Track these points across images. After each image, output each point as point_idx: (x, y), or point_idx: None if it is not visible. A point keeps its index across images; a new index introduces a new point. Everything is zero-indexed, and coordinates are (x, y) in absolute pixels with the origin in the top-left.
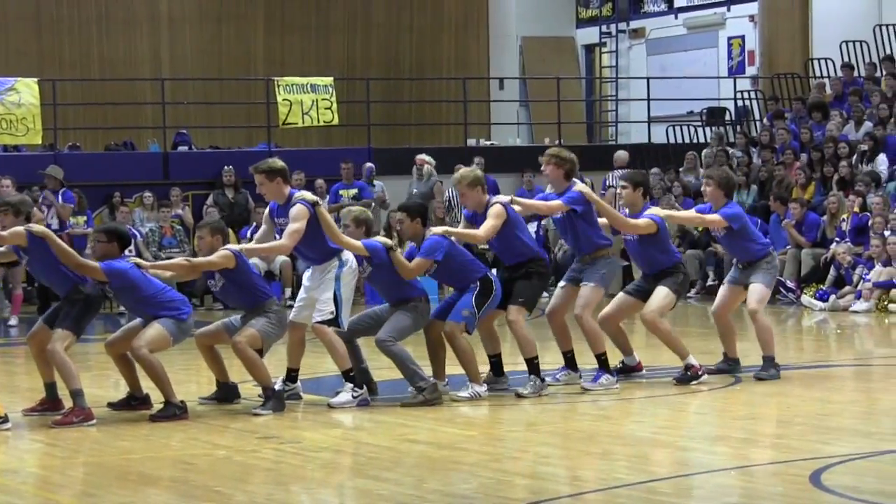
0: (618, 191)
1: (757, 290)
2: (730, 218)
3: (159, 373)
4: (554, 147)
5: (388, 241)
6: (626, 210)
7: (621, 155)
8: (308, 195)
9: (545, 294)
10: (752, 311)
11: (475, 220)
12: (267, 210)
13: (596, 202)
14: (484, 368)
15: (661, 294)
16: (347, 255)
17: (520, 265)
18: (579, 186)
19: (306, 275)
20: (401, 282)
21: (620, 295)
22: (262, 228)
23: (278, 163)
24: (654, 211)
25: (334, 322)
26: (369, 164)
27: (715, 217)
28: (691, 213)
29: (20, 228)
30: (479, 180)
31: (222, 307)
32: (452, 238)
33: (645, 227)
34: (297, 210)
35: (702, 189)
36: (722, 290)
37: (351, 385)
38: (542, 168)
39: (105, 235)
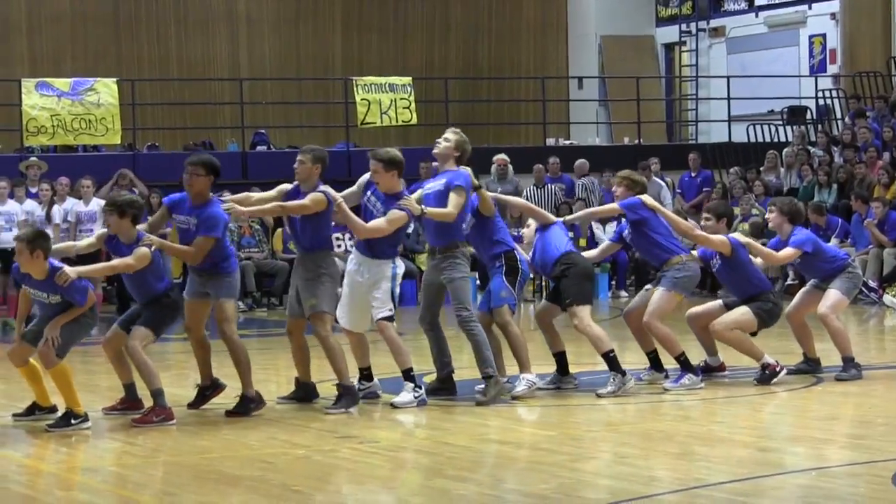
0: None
1: (832, 296)
2: (801, 244)
3: (243, 357)
4: (625, 170)
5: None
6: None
7: (581, 164)
8: (415, 206)
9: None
10: (821, 315)
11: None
12: (365, 180)
13: (659, 210)
14: (550, 369)
15: (741, 311)
16: (399, 259)
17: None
18: (643, 197)
19: (349, 269)
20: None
21: (718, 302)
22: (348, 190)
23: (399, 155)
24: (737, 236)
25: (391, 318)
26: (435, 164)
27: (788, 251)
28: (766, 250)
29: (144, 250)
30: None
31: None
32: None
33: (718, 244)
34: (396, 214)
35: (767, 216)
36: (800, 293)
37: (412, 385)
38: (613, 189)
39: (203, 169)
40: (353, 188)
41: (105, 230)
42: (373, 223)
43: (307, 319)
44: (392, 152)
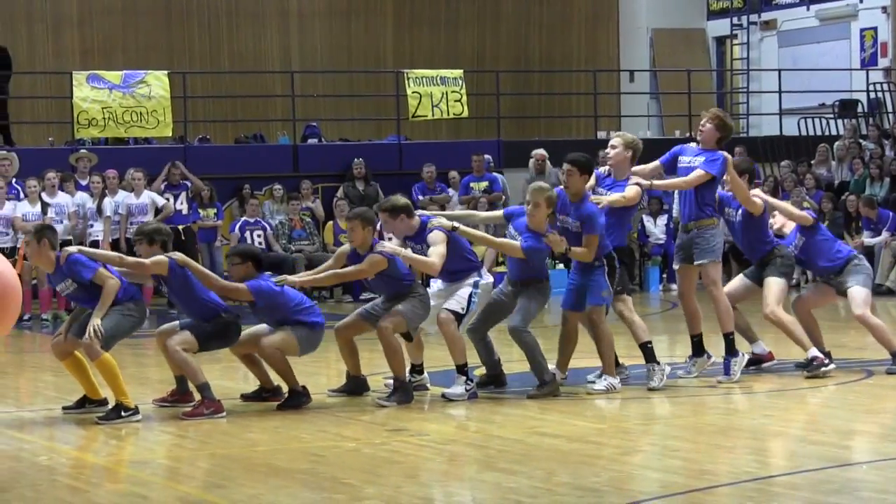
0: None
1: (857, 294)
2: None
3: (283, 365)
4: (717, 109)
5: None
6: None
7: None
8: (444, 221)
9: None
10: (858, 317)
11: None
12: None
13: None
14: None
15: (776, 285)
16: (485, 273)
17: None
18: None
19: (436, 285)
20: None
21: (740, 279)
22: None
23: (401, 199)
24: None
25: (458, 319)
26: (486, 156)
27: (803, 213)
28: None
29: (162, 257)
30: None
31: (351, 299)
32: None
33: (756, 205)
34: (435, 235)
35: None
36: (812, 287)
37: (464, 378)
38: (702, 123)
39: (238, 258)
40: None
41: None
42: (433, 252)
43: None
44: (392, 200)
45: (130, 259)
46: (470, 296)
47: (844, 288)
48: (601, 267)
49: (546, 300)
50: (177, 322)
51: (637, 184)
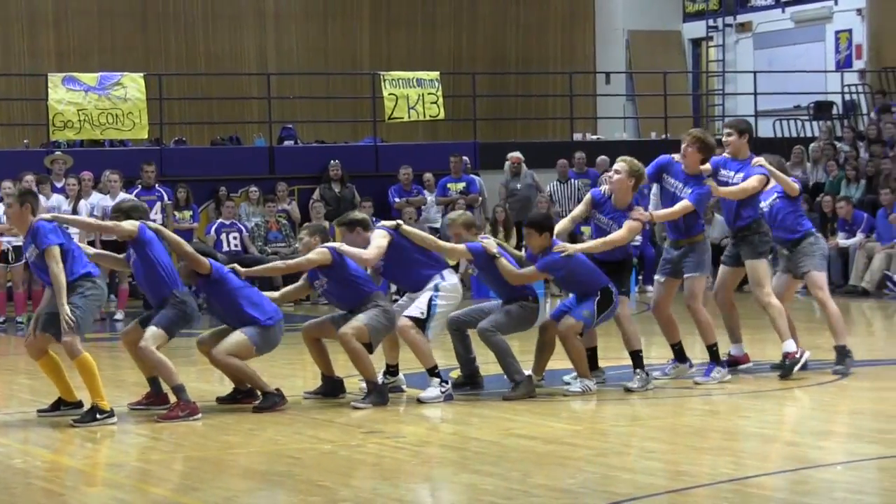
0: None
1: (816, 278)
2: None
3: (247, 371)
4: (697, 129)
5: (492, 247)
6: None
7: (602, 161)
8: (387, 223)
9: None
10: (820, 299)
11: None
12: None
13: (721, 192)
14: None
15: (752, 267)
16: (448, 275)
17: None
18: (709, 184)
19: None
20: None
21: (721, 268)
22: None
23: (358, 214)
24: (761, 162)
25: (421, 325)
26: (465, 158)
27: (792, 182)
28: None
29: (135, 221)
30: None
31: (327, 302)
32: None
33: (756, 185)
34: (376, 232)
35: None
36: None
37: (437, 380)
38: (684, 147)
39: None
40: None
41: None
42: (371, 245)
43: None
44: (350, 215)
45: (105, 222)
46: (430, 300)
47: (801, 272)
48: (594, 297)
49: (529, 318)
50: (136, 321)
51: (637, 219)
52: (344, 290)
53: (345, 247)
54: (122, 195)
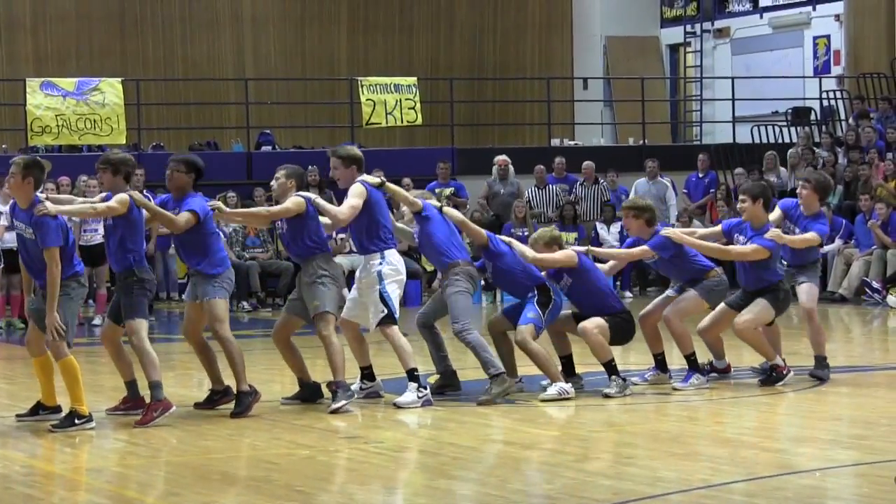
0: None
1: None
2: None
3: (236, 357)
4: (629, 199)
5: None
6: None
7: (587, 166)
8: (370, 178)
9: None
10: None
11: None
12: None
13: (685, 241)
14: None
15: (760, 306)
16: (390, 254)
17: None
18: (666, 231)
19: (357, 274)
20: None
21: (721, 306)
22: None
23: (357, 151)
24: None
25: (390, 319)
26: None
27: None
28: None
29: (124, 195)
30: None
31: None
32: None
33: (752, 253)
34: (355, 187)
35: (798, 192)
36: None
37: (415, 385)
38: (624, 222)
39: (184, 166)
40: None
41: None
42: (345, 203)
43: (312, 320)
44: (350, 149)
45: (101, 205)
46: (381, 295)
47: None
48: (533, 297)
49: (471, 284)
50: (107, 319)
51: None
52: (298, 239)
53: (321, 201)
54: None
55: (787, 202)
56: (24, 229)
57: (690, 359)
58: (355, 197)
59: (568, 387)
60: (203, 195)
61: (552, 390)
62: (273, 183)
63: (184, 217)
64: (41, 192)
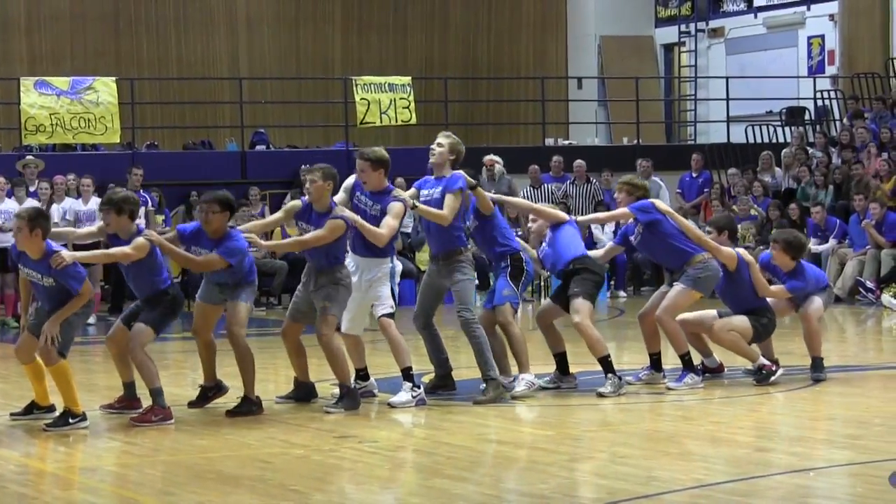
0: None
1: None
2: (794, 290)
3: (248, 364)
4: (626, 176)
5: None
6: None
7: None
8: (406, 195)
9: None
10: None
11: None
12: (351, 183)
13: (671, 214)
14: (549, 369)
15: (741, 318)
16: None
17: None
18: (654, 200)
19: (353, 280)
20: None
21: (711, 312)
22: (337, 197)
23: (385, 154)
24: (742, 253)
25: (392, 316)
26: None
27: (779, 289)
28: (762, 280)
29: (142, 241)
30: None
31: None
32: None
33: (726, 257)
34: (396, 207)
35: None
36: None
37: (410, 384)
38: (616, 195)
39: (218, 206)
40: (341, 194)
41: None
42: (386, 223)
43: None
44: (379, 151)
45: (117, 251)
46: (392, 288)
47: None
48: (505, 268)
49: (472, 272)
50: (118, 321)
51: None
52: (330, 255)
53: (361, 221)
54: (95, 199)
55: (765, 256)
56: (39, 278)
57: (685, 358)
58: (395, 218)
59: (532, 377)
60: (234, 227)
61: (521, 386)
62: (307, 184)
63: (207, 260)
64: (43, 187)
